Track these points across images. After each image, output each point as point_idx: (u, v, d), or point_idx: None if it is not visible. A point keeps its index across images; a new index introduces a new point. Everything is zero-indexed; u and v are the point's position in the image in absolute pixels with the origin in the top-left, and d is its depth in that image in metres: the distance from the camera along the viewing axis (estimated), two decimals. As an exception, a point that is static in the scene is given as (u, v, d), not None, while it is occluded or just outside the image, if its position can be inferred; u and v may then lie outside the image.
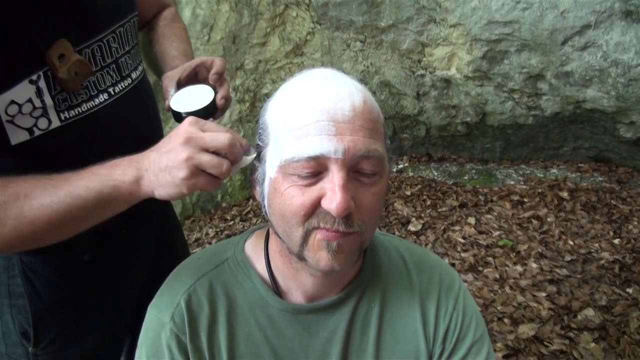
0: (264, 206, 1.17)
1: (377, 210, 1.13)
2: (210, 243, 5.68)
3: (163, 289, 1.30)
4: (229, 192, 6.75)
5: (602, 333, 3.47)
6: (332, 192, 1.01)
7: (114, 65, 1.50)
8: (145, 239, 1.68)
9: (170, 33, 1.84)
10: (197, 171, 1.07)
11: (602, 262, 4.29)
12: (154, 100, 1.75)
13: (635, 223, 4.87)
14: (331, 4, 5.83)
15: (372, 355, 1.28)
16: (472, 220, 5.26)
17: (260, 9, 6.33)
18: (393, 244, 1.42)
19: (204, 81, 1.59)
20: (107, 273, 1.62)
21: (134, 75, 1.58)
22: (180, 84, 1.58)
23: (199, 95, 1.53)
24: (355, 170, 1.06)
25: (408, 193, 6.04)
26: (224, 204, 6.67)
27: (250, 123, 6.74)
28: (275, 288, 1.25)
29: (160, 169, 1.09)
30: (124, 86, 1.54)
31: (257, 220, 6.07)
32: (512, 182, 6.10)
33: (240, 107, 6.54)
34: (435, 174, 6.64)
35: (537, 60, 5.34)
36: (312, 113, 1.05)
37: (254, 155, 1.18)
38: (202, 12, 6.32)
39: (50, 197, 1.15)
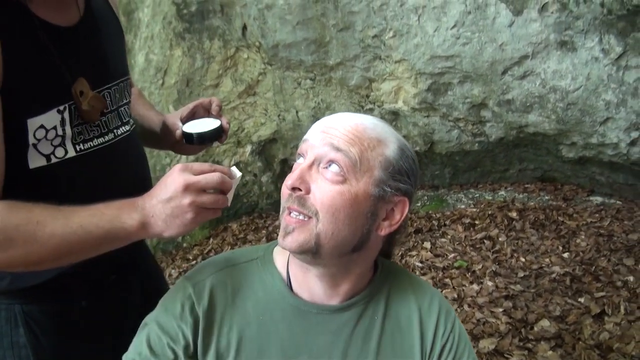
0: None
1: (333, 206, 1.28)
2: (173, 284, 5.71)
3: (197, 267, 1.47)
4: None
5: (558, 341, 3.67)
6: (293, 171, 1.26)
7: (116, 112, 1.68)
8: (133, 284, 1.80)
9: (144, 102, 2.12)
10: (200, 210, 1.28)
11: (554, 275, 4.50)
12: (142, 147, 1.92)
13: (583, 237, 5.10)
14: (281, 46, 6.00)
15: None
16: (427, 244, 5.43)
17: (212, 52, 6.47)
18: (394, 267, 1.59)
19: (203, 118, 1.89)
20: (102, 317, 1.72)
21: (129, 124, 1.76)
22: (182, 121, 1.87)
23: (205, 123, 1.84)
24: (324, 165, 1.28)
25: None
26: (184, 244, 6.71)
27: (206, 162, 6.82)
28: (290, 286, 1.41)
29: (167, 215, 1.28)
30: (124, 130, 1.71)
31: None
32: (463, 206, 6.31)
33: (197, 148, 6.62)
34: (389, 202, 6.77)
35: (479, 90, 5.60)
36: (316, 125, 1.34)
37: (239, 175, 1.39)
38: (155, 58, 6.45)
39: (62, 227, 1.29)
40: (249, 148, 6.92)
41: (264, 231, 6.58)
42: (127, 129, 1.73)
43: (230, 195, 1.35)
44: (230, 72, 6.60)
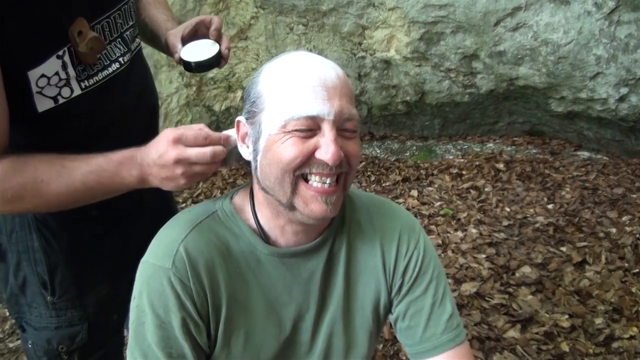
0: (255, 162, 1.36)
1: (359, 155, 1.37)
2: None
3: (158, 241, 1.42)
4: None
5: (538, 287, 3.74)
6: (327, 145, 1.24)
7: (120, 39, 1.66)
8: (145, 196, 1.79)
9: (155, 1, 2.05)
10: (193, 175, 1.34)
11: (537, 225, 4.57)
12: (148, 67, 1.94)
13: (568, 189, 5.16)
14: (274, -11, 5.96)
15: (342, 287, 1.49)
16: (414, 192, 5.50)
17: (204, -6, 6.41)
18: (357, 194, 1.64)
19: (204, 37, 1.84)
20: (111, 229, 1.77)
21: (133, 46, 1.74)
22: (184, 40, 1.83)
23: (204, 48, 1.81)
24: (340, 128, 1.29)
25: (359, 163, 6.19)
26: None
27: (197, 107, 6.81)
28: (263, 235, 1.43)
29: (162, 178, 1.35)
30: (130, 57, 1.71)
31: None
32: (451, 157, 6.35)
33: (187, 91, 6.61)
34: (378, 151, 6.87)
35: (471, 41, 5.62)
36: (307, 79, 1.27)
37: (234, 138, 1.41)
38: (146, -1, 6.37)
39: (65, 185, 1.36)
40: (239, 93, 6.90)
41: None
42: (131, 55, 1.72)
43: (227, 160, 1.40)
44: (222, 15, 6.53)
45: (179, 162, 1.29)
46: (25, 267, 1.69)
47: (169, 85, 6.39)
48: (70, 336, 1.74)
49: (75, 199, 1.40)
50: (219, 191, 6.16)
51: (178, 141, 1.30)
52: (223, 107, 6.93)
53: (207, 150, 1.30)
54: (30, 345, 1.76)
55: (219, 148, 1.33)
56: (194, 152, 1.29)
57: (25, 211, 1.51)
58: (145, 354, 1.31)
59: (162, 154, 1.31)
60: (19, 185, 1.32)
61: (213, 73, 6.73)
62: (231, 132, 1.41)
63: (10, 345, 3.99)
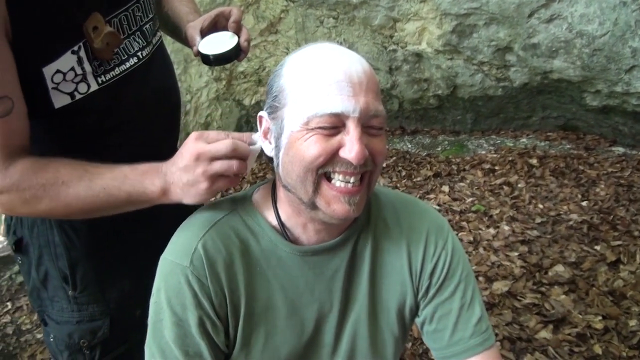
0: (277, 158, 1.31)
1: (385, 153, 1.32)
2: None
3: (177, 238, 1.41)
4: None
5: (571, 287, 3.66)
6: (352, 143, 1.19)
7: (138, 32, 1.63)
8: None
9: None
10: (215, 178, 1.27)
11: (571, 222, 4.48)
12: (170, 61, 1.89)
13: (603, 186, 5.05)
14: (304, -18, 5.92)
15: (367, 287, 1.44)
16: (446, 188, 5.43)
17: (234, -13, 6.38)
18: (383, 192, 1.59)
19: (224, 29, 1.79)
20: (134, 226, 1.72)
21: (154, 40, 1.71)
22: (203, 33, 1.79)
23: (223, 40, 1.76)
24: (366, 125, 1.24)
25: (383, 165, 6.16)
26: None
27: (227, 101, 6.81)
28: (285, 233, 1.39)
29: (184, 183, 1.29)
30: (149, 50, 1.67)
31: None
32: (484, 152, 6.27)
33: (217, 85, 6.61)
34: (409, 146, 6.80)
35: (504, 33, 5.51)
36: (332, 74, 1.21)
37: (258, 144, 1.35)
38: (176, -8, 6.37)
39: (85, 189, 1.33)
40: (269, 87, 6.86)
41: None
42: (151, 49, 1.69)
43: (250, 162, 1.33)
44: (252, 9, 6.53)
45: (198, 157, 1.25)
46: (47, 261, 1.69)
47: (198, 79, 6.40)
48: (91, 331, 1.73)
49: (94, 206, 1.37)
50: (248, 184, 6.15)
51: (199, 138, 1.27)
52: (253, 101, 6.92)
53: (227, 141, 1.26)
54: (52, 339, 1.75)
55: (240, 142, 1.28)
56: (213, 145, 1.25)
57: (42, 214, 1.47)
58: (162, 351, 1.30)
59: (183, 153, 1.28)
60: (38, 186, 1.31)
61: (243, 67, 6.73)
62: (257, 136, 1.36)
63: (38, 336, 4.06)
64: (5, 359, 4.06)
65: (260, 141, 1.35)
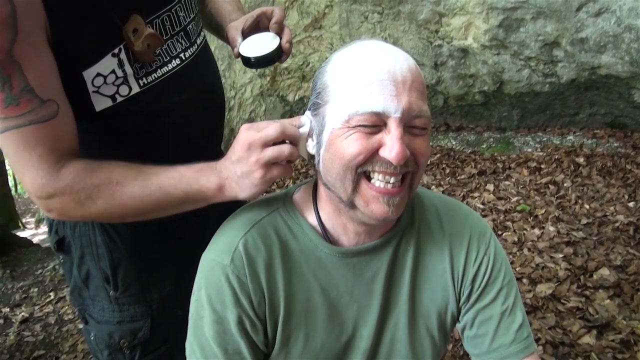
0: (318, 155, 1.31)
1: (428, 154, 1.29)
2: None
3: (218, 237, 1.42)
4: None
5: (616, 291, 3.59)
6: (392, 143, 1.18)
7: (182, 33, 1.62)
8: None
9: None
10: (268, 166, 1.26)
11: (617, 224, 4.40)
12: (215, 60, 1.89)
13: (650, 187, 4.93)
14: (348, -23, 5.89)
15: (408, 291, 1.42)
16: (490, 187, 5.38)
17: (279, -17, 6.38)
18: (426, 194, 1.57)
19: (266, 29, 1.76)
20: (177, 230, 1.71)
21: (199, 41, 1.71)
22: (244, 33, 1.77)
23: (265, 42, 1.73)
24: (408, 125, 1.22)
25: (427, 162, 6.13)
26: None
27: (271, 97, 6.83)
28: (325, 234, 1.39)
29: (239, 176, 1.28)
30: (193, 51, 1.66)
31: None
32: (530, 150, 6.19)
33: (262, 81, 6.63)
34: (454, 142, 6.76)
35: (552, 27, 5.42)
36: (375, 72, 1.20)
37: (307, 125, 1.33)
38: (222, -12, 6.40)
39: (141, 188, 1.33)
40: (313, 82, 6.87)
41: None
42: (195, 49, 1.69)
43: (301, 147, 1.32)
44: (297, 5, 6.53)
45: (250, 147, 1.25)
46: (89, 261, 1.70)
47: (243, 75, 6.43)
48: (132, 331, 1.74)
49: (149, 206, 1.36)
50: (291, 181, 6.17)
51: (250, 128, 1.27)
52: (297, 97, 6.93)
53: (276, 124, 1.26)
54: (92, 338, 1.77)
55: (288, 125, 1.28)
56: (263, 132, 1.25)
57: (95, 217, 1.44)
58: (202, 348, 1.32)
59: (235, 146, 1.28)
60: (93, 186, 1.31)
61: (287, 63, 6.73)
62: (304, 118, 1.35)
63: (80, 326, 4.13)
64: (47, 348, 4.15)
65: (308, 122, 1.34)
